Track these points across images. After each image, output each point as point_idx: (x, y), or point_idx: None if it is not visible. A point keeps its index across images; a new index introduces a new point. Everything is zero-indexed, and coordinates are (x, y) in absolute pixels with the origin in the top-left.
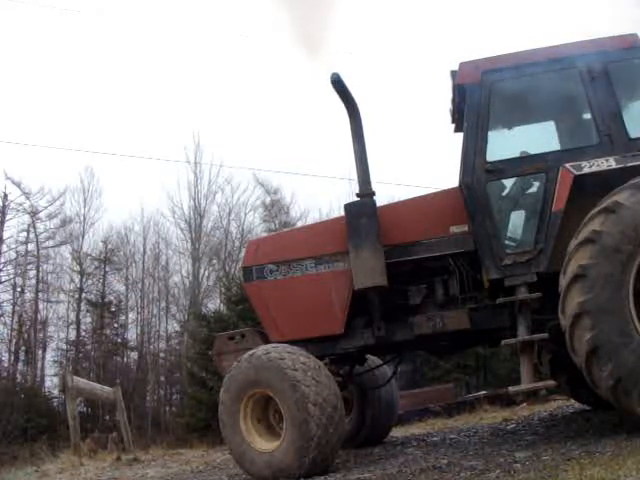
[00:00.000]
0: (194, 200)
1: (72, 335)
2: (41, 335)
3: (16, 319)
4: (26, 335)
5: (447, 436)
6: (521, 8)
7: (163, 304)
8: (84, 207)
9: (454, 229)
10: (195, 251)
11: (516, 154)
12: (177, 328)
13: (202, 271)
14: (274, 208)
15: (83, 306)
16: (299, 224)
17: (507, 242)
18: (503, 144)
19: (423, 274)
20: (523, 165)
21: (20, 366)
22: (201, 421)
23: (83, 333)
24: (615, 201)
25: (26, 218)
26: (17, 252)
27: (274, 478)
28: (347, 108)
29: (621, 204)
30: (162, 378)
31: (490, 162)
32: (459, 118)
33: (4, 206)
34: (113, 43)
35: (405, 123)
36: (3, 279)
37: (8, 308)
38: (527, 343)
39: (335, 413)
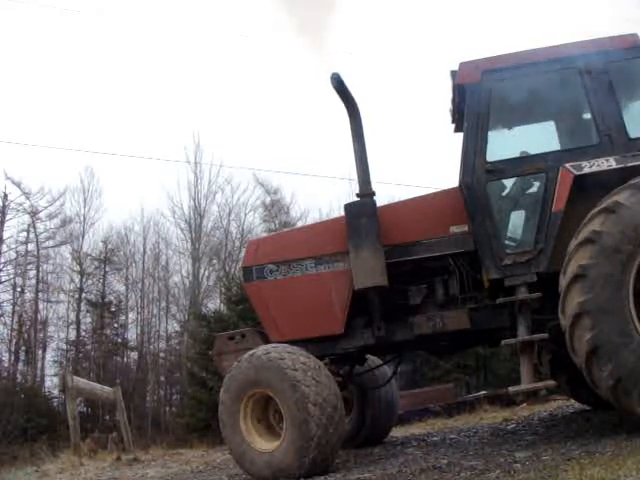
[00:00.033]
0: (194, 200)
1: (72, 335)
2: (41, 335)
3: (16, 319)
4: (26, 335)
5: (447, 436)
6: (521, 8)
7: (163, 304)
8: (84, 207)
9: (454, 229)
10: (195, 251)
11: (516, 154)
12: (177, 328)
13: (202, 271)
14: (274, 208)
15: (83, 306)
16: (299, 224)
17: (507, 242)
18: (503, 144)
19: (423, 274)
20: (523, 165)
21: (20, 366)
22: (201, 421)
23: (83, 333)
24: (615, 201)
25: (26, 218)
26: (17, 252)
27: (274, 478)
28: (347, 108)
29: (621, 204)
30: (162, 378)
31: (490, 162)
32: (459, 118)
33: (4, 206)
34: (113, 43)
35: (405, 123)
36: (3, 279)
37: (8, 308)
38: (527, 343)
39: (335, 413)
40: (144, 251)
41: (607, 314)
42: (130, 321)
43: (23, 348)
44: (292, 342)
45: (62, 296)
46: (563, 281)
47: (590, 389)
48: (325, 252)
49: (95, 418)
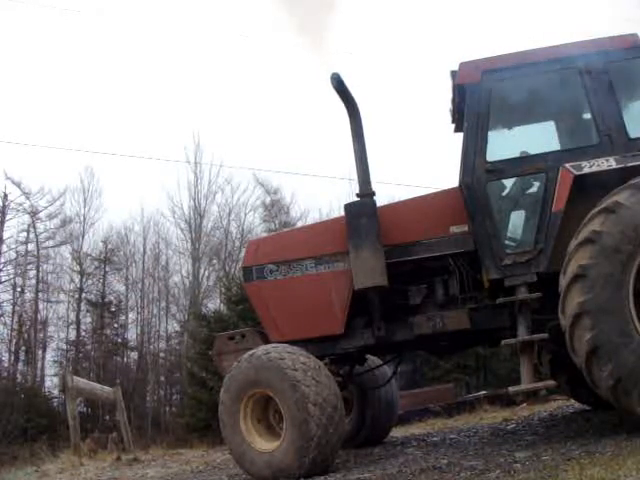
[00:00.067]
0: (194, 200)
1: (72, 335)
2: (41, 335)
3: (16, 319)
4: (26, 335)
5: (447, 436)
6: (521, 8)
7: (163, 304)
8: (84, 207)
9: (454, 229)
10: (195, 251)
11: (516, 154)
12: (177, 328)
13: (202, 271)
14: (274, 208)
15: (83, 306)
16: (299, 224)
17: (507, 242)
18: (503, 144)
19: (423, 274)
20: (523, 165)
21: (20, 366)
22: (201, 421)
23: (83, 333)
24: (615, 201)
25: (26, 218)
26: (17, 252)
27: (274, 478)
28: (347, 108)
29: (621, 204)
30: (162, 378)
31: (490, 162)
32: (459, 118)
33: (4, 206)
34: (113, 43)
35: (405, 123)
36: (3, 279)
37: (8, 308)
38: (527, 343)
39: (335, 413)
40: (144, 251)
41: (607, 314)
42: (130, 321)
43: (23, 348)
44: (292, 342)
45: (62, 296)
46: (563, 281)
47: (590, 389)
48: (325, 252)
49: (95, 418)
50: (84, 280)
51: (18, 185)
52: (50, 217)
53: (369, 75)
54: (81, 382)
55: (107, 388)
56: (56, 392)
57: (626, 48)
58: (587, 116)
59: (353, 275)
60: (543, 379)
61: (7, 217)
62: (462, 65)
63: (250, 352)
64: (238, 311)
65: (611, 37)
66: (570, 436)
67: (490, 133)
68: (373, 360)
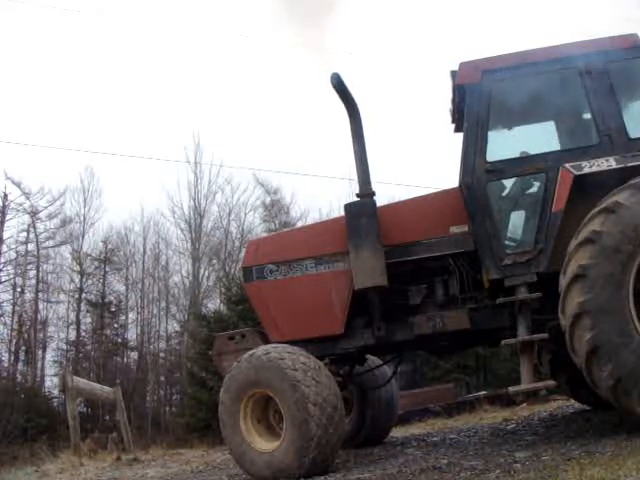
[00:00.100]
0: (194, 200)
1: (72, 335)
2: (41, 335)
3: (16, 319)
4: (26, 335)
5: (447, 436)
6: (521, 8)
7: (163, 304)
8: (84, 207)
9: (454, 229)
10: (195, 251)
11: (516, 154)
12: (177, 328)
13: (202, 271)
14: (274, 208)
15: (83, 306)
16: (299, 224)
17: (507, 242)
18: (503, 144)
19: (423, 274)
20: (523, 165)
21: (20, 366)
22: (201, 421)
23: (83, 333)
24: (615, 201)
25: (26, 218)
26: (17, 252)
27: (274, 478)
28: (347, 108)
29: (621, 204)
30: (162, 378)
31: (490, 162)
32: (459, 118)
33: (4, 206)
34: (113, 43)
35: (405, 123)
36: (3, 279)
37: (8, 308)
38: (527, 343)
39: (335, 413)
40: (144, 251)
41: (607, 314)
42: (130, 321)
43: (23, 348)
44: (292, 342)
45: (62, 296)
46: (563, 281)
47: (590, 389)
48: (325, 252)
49: (95, 418)
50: (84, 280)
51: (18, 185)
52: (50, 217)
53: (369, 75)
54: (81, 382)
55: (107, 388)
56: (56, 392)
57: (626, 48)
58: (587, 116)
59: (353, 275)
60: (543, 379)
61: (7, 217)
62: (462, 65)
63: (250, 352)
64: (238, 311)
65: (611, 37)
66: (570, 436)
67: (490, 133)
68: (373, 360)
